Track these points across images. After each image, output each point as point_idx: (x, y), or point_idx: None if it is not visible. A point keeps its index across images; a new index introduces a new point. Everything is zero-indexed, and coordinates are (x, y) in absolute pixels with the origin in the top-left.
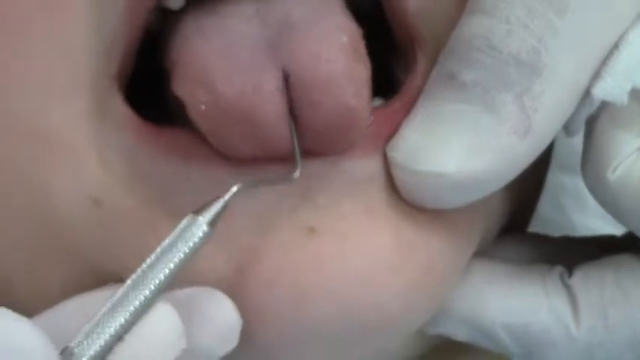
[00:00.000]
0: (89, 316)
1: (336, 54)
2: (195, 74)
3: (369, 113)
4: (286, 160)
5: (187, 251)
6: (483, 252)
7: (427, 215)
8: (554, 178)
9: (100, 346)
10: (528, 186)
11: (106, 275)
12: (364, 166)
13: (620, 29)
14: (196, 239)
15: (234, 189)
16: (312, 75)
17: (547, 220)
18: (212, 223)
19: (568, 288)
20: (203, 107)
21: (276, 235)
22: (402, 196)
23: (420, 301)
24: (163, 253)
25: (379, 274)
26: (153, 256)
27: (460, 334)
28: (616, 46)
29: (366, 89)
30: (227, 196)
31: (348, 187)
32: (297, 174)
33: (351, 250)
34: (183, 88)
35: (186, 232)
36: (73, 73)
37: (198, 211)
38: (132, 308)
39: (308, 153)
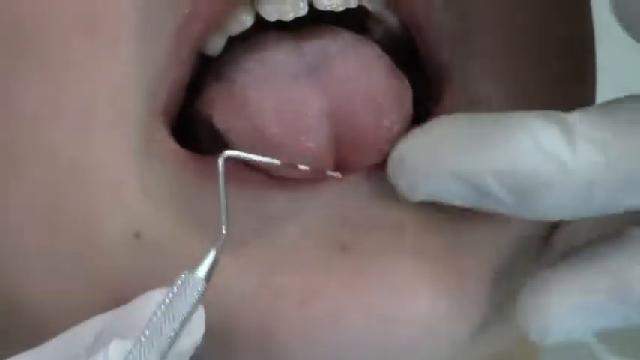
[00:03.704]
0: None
1: (375, 72)
2: (237, 104)
3: (405, 125)
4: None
5: (189, 310)
6: None
7: (455, 225)
8: None
9: None
10: None
11: None
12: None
13: None
14: (197, 295)
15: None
16: (351, 89)
17: None
18: (207, 277)
19: (561, 123)
20: (246, 137)
21: (310, 254)
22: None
23: (458, 311)
24: (165, 314)
25: (413, 287)
26: (154, 320)
27: (450, 192)
28: None
29: (405, 101)
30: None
31: (378, 204)
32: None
33: (383, 265)
34: (226, 119)
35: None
36: (118, 108)
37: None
38: None
39: (342, 167)
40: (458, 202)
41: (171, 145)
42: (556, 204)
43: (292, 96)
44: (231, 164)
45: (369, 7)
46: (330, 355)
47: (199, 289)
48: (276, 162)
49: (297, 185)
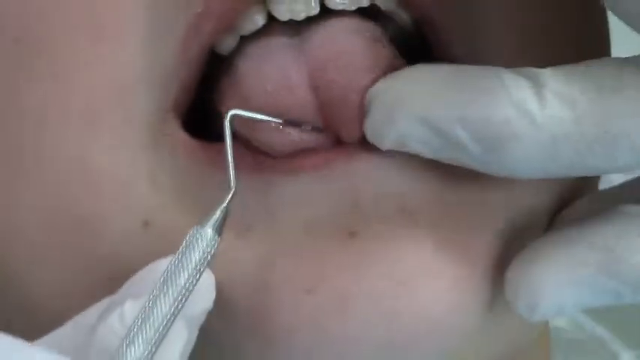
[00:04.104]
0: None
1: (354, 38)
2: (235, 86)
3: None
4: (319, 151)
5: (202, 263)
6: None
7: (465, 209)
8: None
9: None
10: None
11: None
12: (397, 167)
13: None
14: (208, 249)
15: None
16: (328, 54)
17: None
18: (217, 230)
19: (533, 78)
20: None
21: (318, 241)
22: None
23: (464, 302)
24: (178, 268)
25: (419, 277)
26: (168, 272)
27: (416, 137)
28: None
29: (382, 67)
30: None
31: (387, 190)
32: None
33: (390, 253)
34: (225, 101)
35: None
36: (126, 107)
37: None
38: (156, 329)
39: (335, 142)
40: (424, 151)
41: (181, 135)
42: (524, 156)
43: (276, 66)
44: (242, 150)
45: (381, 5)
46: (334, 343)
47: (212, 242)
48: (279, 120)
49: (306, 171)
